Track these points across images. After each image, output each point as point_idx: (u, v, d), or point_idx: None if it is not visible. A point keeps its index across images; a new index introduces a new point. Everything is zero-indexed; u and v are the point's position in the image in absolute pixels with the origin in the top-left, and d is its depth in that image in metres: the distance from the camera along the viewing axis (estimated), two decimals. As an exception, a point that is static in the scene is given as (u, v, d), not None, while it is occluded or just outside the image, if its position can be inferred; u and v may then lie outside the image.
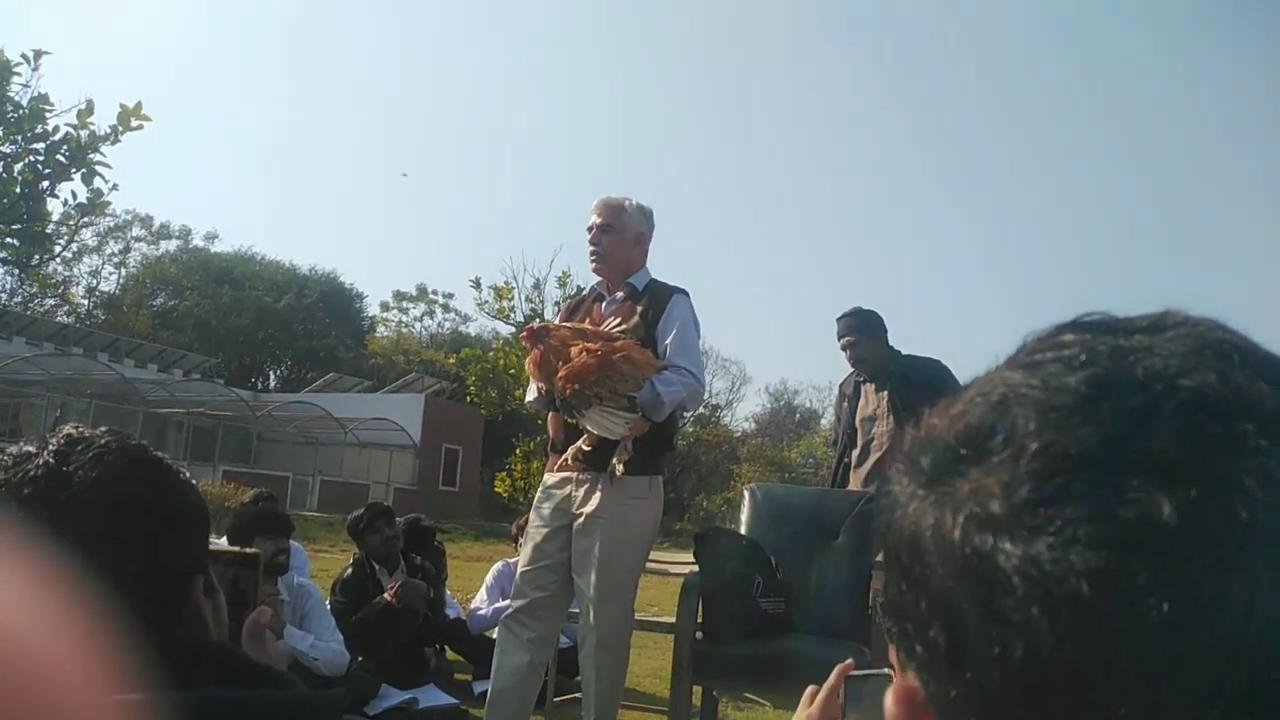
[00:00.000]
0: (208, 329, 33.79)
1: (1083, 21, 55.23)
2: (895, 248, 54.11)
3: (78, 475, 0.82)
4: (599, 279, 3.27)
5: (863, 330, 4.17)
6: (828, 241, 55.38)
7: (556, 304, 12.33)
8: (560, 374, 2.84)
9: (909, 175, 56.21)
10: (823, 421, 29.28)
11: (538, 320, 11.85)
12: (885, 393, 4.13)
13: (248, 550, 1.09)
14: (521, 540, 4.50)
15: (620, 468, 2.93)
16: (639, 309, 3.07)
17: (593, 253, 3.16)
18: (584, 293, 3.69)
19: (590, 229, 3.17)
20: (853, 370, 4.31)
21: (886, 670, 1.52)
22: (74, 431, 0.87)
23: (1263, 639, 0.35)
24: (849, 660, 1.34)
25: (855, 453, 4.21)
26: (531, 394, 3.19)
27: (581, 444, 2.95)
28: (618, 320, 3.05)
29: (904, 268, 51.40)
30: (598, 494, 2.96)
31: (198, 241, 38.30)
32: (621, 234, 3.15)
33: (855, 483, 4.15)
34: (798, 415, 31.64)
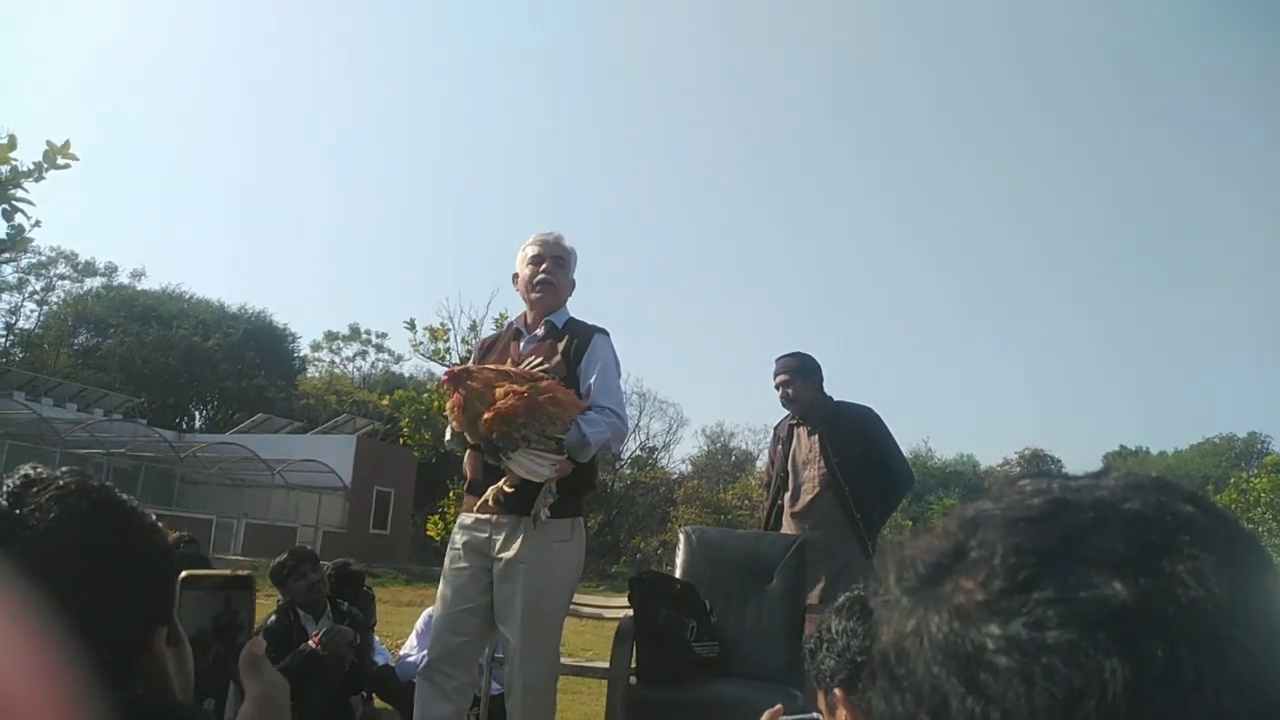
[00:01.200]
0: (132, 368, 32.84)
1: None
2: (834, 293, 55.09)
3: (34, 519, 0.78)
4: (518, 316, 3.24)
5: (799, 372, 4.24)
6: (766, 286, 56.18)
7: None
8: (486, 416, 2.80)
9: (849, 220, 57.44)
10: (758, 464, 29.46)
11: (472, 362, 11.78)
12: (817, 437, 4.20)
13: (240, 573, 1.03)
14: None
15: (546, 512, 2.88)
16: (560, 347, 3.05)
17: (543, 283, 3.12)
18: (496, 332, 3.69)
19: (541, 260, 3.14)
20: (787, 414, 4.38)
21: (815, 715, 1.54)
22: (31, 472, 0.82)
23: (1208, 713, 0.41)
24: (778, 705, 1.36)
25: (788, 495, 4.25)
26: (448, 435, 3.15)
27: (504, 485, 2.88)
28: (539, 360, 3.02)
29: (842, 315, 52.31)
30: (519, 538, 2.90)
31: (123, 279, 37.34)
32: (567, 271, 3.18)
33: (789, 526, 4.19)
34: (733, 457, 31.78)
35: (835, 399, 4.30)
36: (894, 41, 58.71)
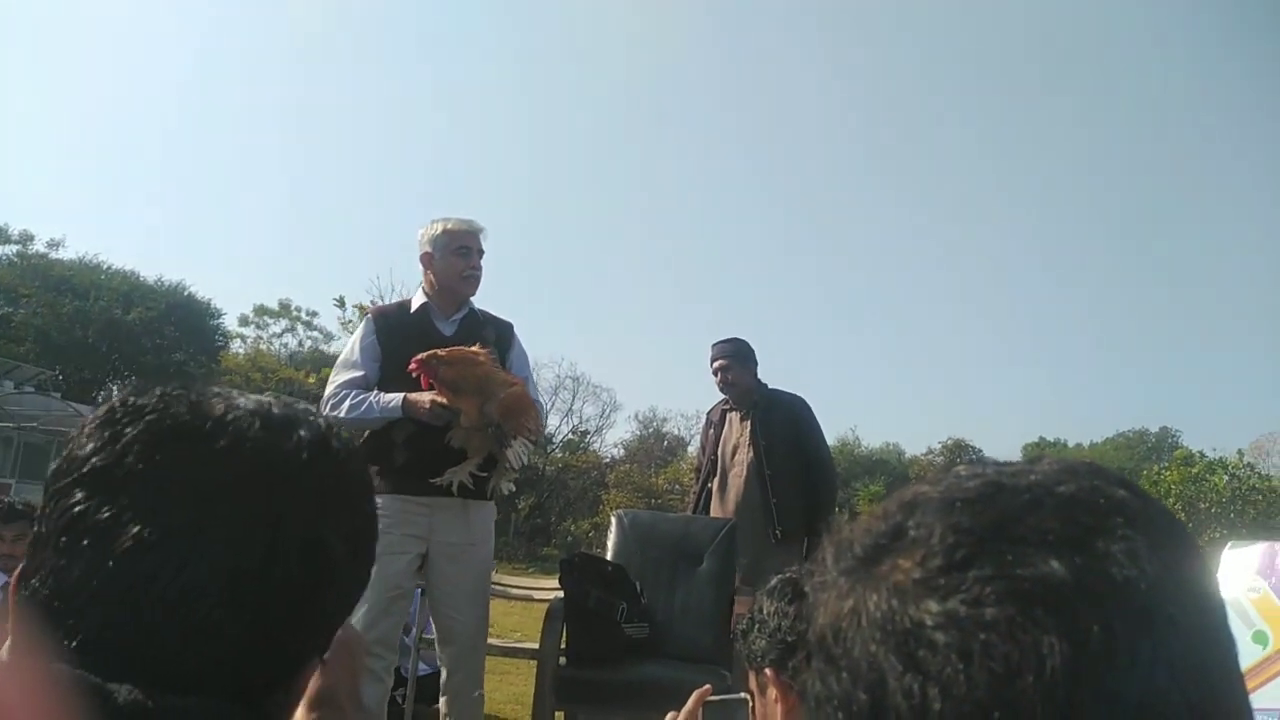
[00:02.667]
0: (47, 340, 31.62)
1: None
2: (766, 282, 55.61)
3: (307, 499, 0.64)
4: (420, 297, 3.21)
5: (735, 357, 4.31)
6: (699, 272, 56.44)
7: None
8: (504, 402, 2.91)
9: (779, 208, 57.99)
10: (690, 449, 29.67)
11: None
12: (749, 423, 4.26)
13: None
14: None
15: (511, 486, 3.10)
16: (486, 336, 3.12)
17: (473, 278, 3.17)
18: (391, 304, 3.83)
19: (470, 253, 3.15)
20: (721, 399, 4.43)
21: (743, 694, 1.57)
22: (325, 424, 0.67)
23: (1143, 688, 0.43)
24: (706, 686, 1.38)
25: (716, 480, 4.31)
26: (388, 406, 2.97)
27: (473, 470, 2.95)
28: (477, 345, 3.04)
29: (773, 303, 52.84)
30: (468, 520, 2.98)
31: (39, 247, 35.87)
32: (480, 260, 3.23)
33: (716, 511, 4.25)
34: (666, 442, 31.92)
35: (769, 386, 4.37)
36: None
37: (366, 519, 0.70)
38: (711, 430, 4.46)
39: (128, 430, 0.63)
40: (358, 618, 3.03)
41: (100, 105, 53.02)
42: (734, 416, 4.35)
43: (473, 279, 3.16)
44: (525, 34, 56.07)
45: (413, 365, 2.89)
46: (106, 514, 0.60)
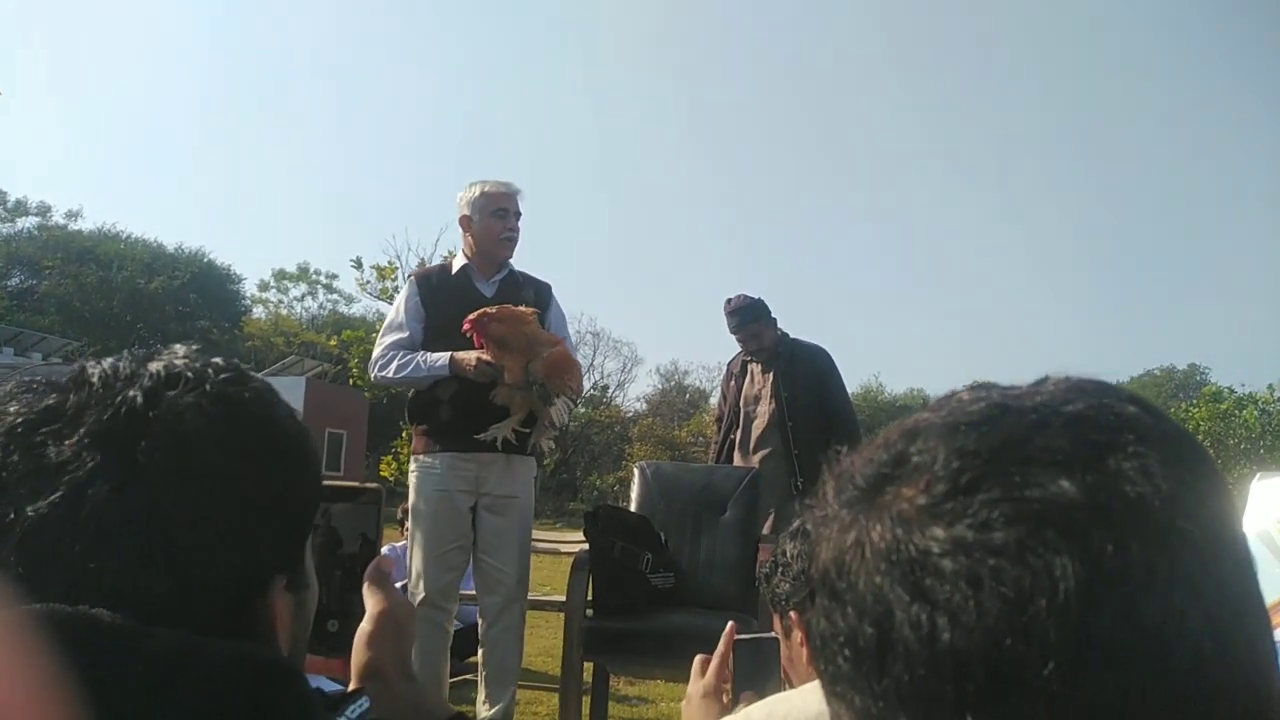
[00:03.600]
0: (70, 310, 31.97)
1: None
2: (786, 229, 55.18)
3: (167, 425, 0.63)
4: (461, 259, 3.28)
5: (758, 320, 4.28)
6: (718, 223, 56.08)
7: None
8: (549, 361, 2.98)
9: (800, 157, 57.35)
10: (711, 401, 29.71)
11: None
12: (770, 374, 4.23)
13: (368, 485, 0.90)
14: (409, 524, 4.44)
15: (550, 444, 3.20)
16: (527, 298, 3.17)
17: (510, 240, 3.23)
18: (434, 266, 3.86)
19: (507, 214, 3.20)
20: (741, 350, 4.40)
21: (772, 634, 1.55)
22: (179, 362, 0.67)
23: (1161, 607, 0.40)
24: (731, 624, 1.37)
25: (739, 432, 4.29)
26: (435, 365, 3.05)
27: (518, 426, 3.05)
28: (522, 306, 3.10)
29: (794, 250, 52.47)
30: (512, 474, 3.09)
31: (58, 219, 36.09)
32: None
33: (739, 461, 4.26)
34: (688, 395, 31.98)
35: (791, 336, 4.35)
36: (846, -26, 58.14)
37: (259, 429, 0.69)
38: (733, 382, 4.45)
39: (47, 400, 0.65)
40: (415, 571, 3.09)
41: (116, 75, 52.98)
42: (755, 368, 4.34)
43: (510, 241, 3.21)
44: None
45: (466, 324, 2.96)
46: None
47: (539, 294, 3.26)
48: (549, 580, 7.25)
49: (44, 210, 35.95)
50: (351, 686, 0.80)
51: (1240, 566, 0.44)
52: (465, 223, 3.23)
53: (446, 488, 3.06)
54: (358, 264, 11.40)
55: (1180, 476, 0.43)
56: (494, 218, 3.18)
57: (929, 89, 58.49)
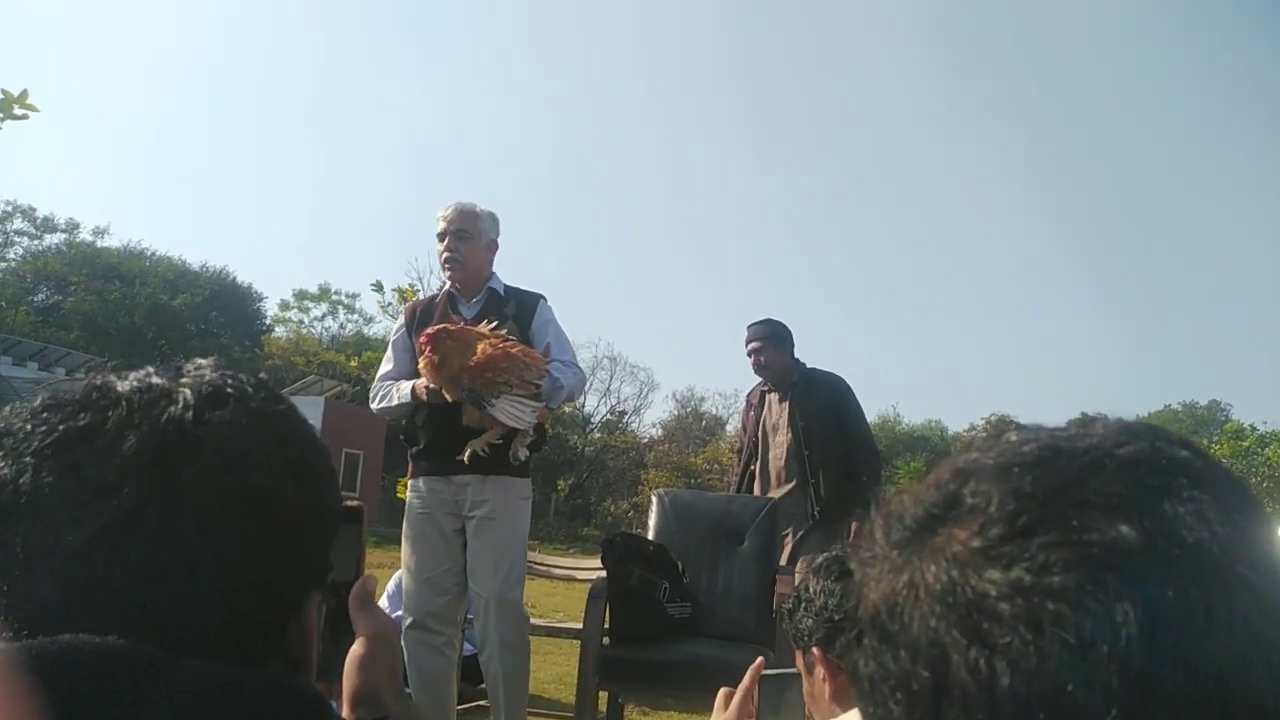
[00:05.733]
0: (94, 326, 32.29)
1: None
2: (804, 259, 55.24)
3: (212, 445, 0.62)
4: (446, 284, 3.29)
5: (770, 339, 4.26)
6: (737, 251, 56.16)
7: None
8: (470, 364, 2.86)
9: (819, 184, 57.45)
10: (728, 428, 29.62)
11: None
12: (787, 404, 4.23)
13: (350, 503, 0.88)
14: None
15: (524, 452, 3.03)
16: (509, 314, 3.14)
17: (449, 259, 3.18)
18: (425, 296, 3.80)
19: (444, 236, 3.17)
20: (760, 380, 4.39)
21: (796, 669, 1.54)
22: (219, 379, 0.67)
23: (1222, 652, 0.40)
24: (760, 659, 1.36)
25: (758, 463, 4.29)
26: (403, 395, 3.11)
27: (489, 438, 2.97)
28: (492, 324, 3.07)
29: (812, 280, 52.49)
30: (490, 495, 3.01)
31: (85, 235, 36.54)
32: (476, 241, 3.19)
33: (759, 492, 4.24)
34: (704, 422, 31.90)
35: (808, 365, 4.33)
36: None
37: (296, 446, 0.69)
38: (751, 412, 4.44)
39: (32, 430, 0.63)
40: (406, 593, 3.10)
41: (140, 93, 53.82)
42: (773, 398, 4.32)
43: (449, 262, 3.17)
44: (563, 6, 55.93)
45: (423, 339, 2.98)
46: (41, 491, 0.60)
47: (521, 307, 3.20)
48: (563, 606, 7.22)
49: (72, 227, 36.42)
50: (345, 710, 0.80)
51: None
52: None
53: (429, 510, 3.08)
54: (379, 287, 11.42)
55: (1234, 520, 0.43)
56: (438, 241, 3.20)
57: (959, 115, 58.58)
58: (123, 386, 0.65)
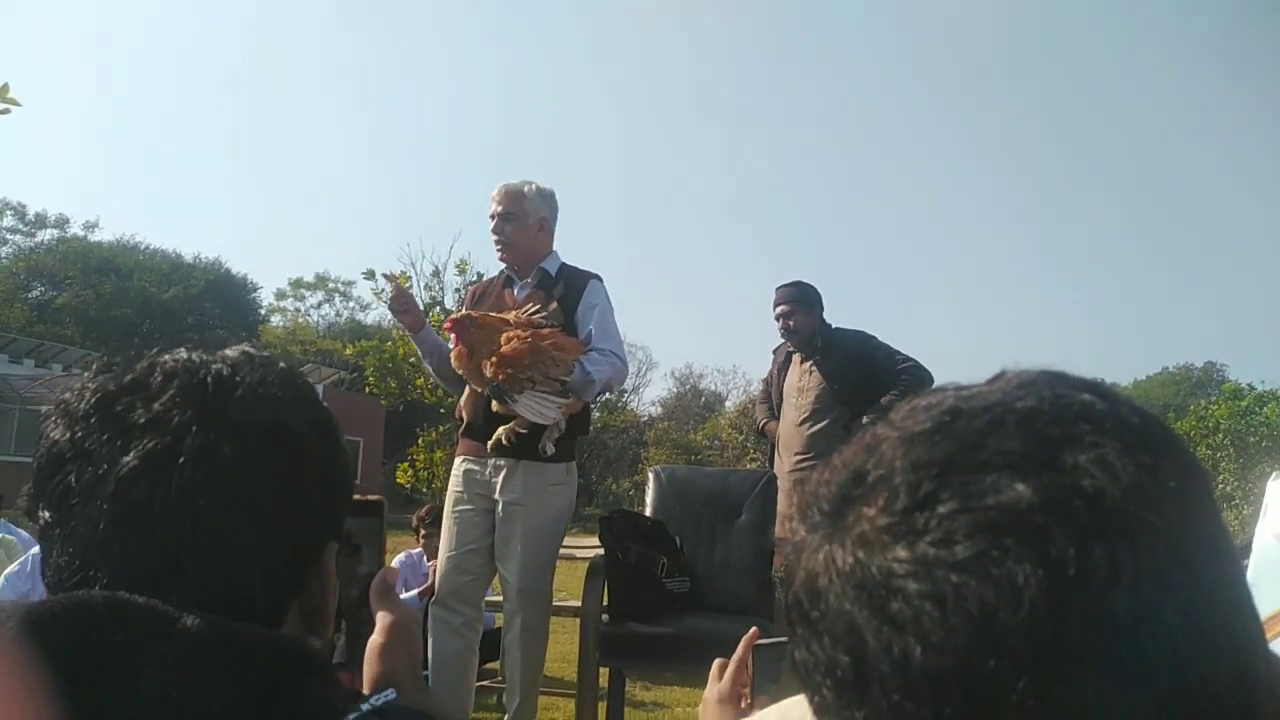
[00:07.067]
0: (89, 321, 32.22)
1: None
2: (800, 237, 55.08)
3: (247, 394, 0.69)
4: (506, 268, 3.26)
5: (800, 302, 4.19)
6: (733, 227, 56.03)
7: (457, 291, 12.08)
8: (491, 360, 2.84)
9: (815, 161, 57.22)
10: (727, 404, 29.64)
11: (437, 309, 11.65)
12: (810, 365, 4.17)
13: (370, 498, 0.96)
14: (421, 531, 4.45)
15: (551, 446, 2.97)
16: (556, 295, 3.08)
17: (497, 242, 3.16)
18: (489, 278, 3.66)
19: (493, 217, 3.14)
20: (784, 340, 4.33)
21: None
22: (251, 349, 0.75)
23: (1130, 605, 0.39)
24: (754, 629, 1.36)
25: (781, 422, 4.26)
26: (429, 351, 3.20)
27: (515, 427, 2.95)
28: (535, 307, 3.05)
29: (808, 258, 52.38)
30: (519, 480, 3.00)
31: (76, 230, 36.38)
32: (524, 221, 3.14)
33: (779, 458, 4.19)
34: (703, 399, 31.92)
35: (832, 325, 4.24)
36: (857, -25, 58.03)
37: (321, 407, 0.76)
38: (776, 371, 4.40)
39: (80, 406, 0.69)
40: (437, 571, 3.12)
41: (131, 85, 53.42)
42: (798, 359, 4.26)
43: (498, 244, 3.16)
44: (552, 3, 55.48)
45: (447, 325, 2.97)
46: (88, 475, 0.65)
47: (570, 289, 3.13)
48: (564, 585, 7.21)
49: (62, 222, 36.25)
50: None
51: (1214, 551, 0.42)
52: None
53: (462, 489, 3.09)
54: (370, 275, 11.40)
55: (1141, 463, 0.42)
56: (490, 222, 3.17)
57: (943, 89, 58.31)
58: (166, 357, 0.72)
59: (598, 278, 3.19)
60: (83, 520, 0.64)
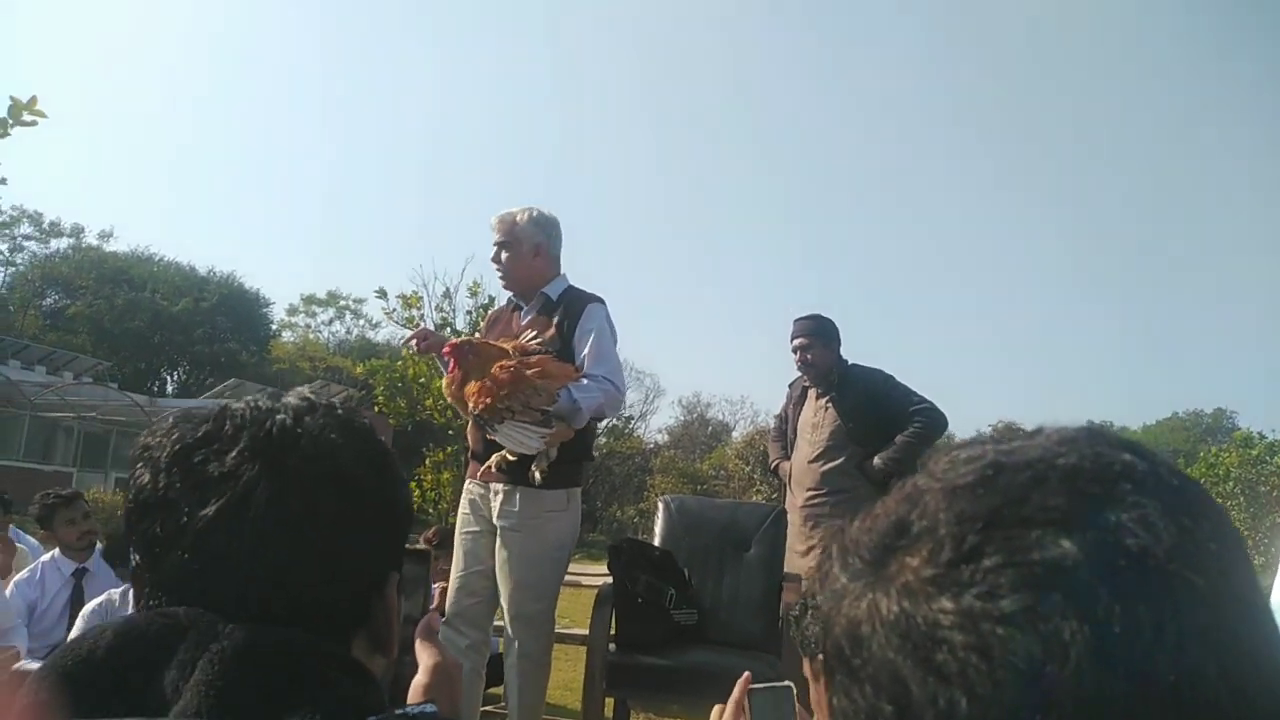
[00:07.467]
0: (101, 331, 32.37)
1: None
2: (807, 263, 55.16)
3: (309, 440, 0.76)
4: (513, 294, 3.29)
5: (818, 335, 4.15)
6: (742, 257, 56.15)
7: (468, 313, 12.10)
8: (470, 390, 2.85)
9: (823, 189, 57.42)
10: (734, 434, 29.55)
11: (448, 330, 11.67)
12: (825, 400, 4.13)
13: (418, 547, 1.06)
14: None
15: (537, 475, 2.93)
16: (554, 320, 3.08)
17: (498, 271, 3.22)
18: (502, 305, 3.67)
19: (494, 247, 3.20)
20: (800, 375, 4.30)
21: (787, 682, 1.52)
22: (310, 395, 0.82)
23: (1175, 664, 0.39)
24: (747, 673, 1.36)
25: (794, 458, 4.21)
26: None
27: (506, 454, 2.96)
28: (533, 333, 3.06)
29: (816, 284, 52.42)
30: (516, 506, 2.98)
31: (91, 240, 36.67)
32: (518, 248, 3.16)
33: (797, 485, 4.14)
34: (710, 428, 31.84)
35: (849, 362, 4.20)
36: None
37: (378, 446, 0.82)
38: (791, 406, 4.35)
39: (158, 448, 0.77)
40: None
41: (147, 98, 54.01)
42: (813, 394, 4.22)
43: (499, 273, 3.22)
44: (563, 9, 56.02)
45: (445, 350, 2.97)
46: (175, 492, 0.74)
47: (568, 313, 3.11)
48: (568, 612, 7.18)
49: (78, 231, 36.55)
50: None
51: (1253, 613, 0.43)
52: None
53: (468, 513, 3.12)
54: (382, 294, 11.42)
55: (1181, 524, 0.42)
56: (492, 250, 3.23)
57: (954, 119, 58.52)
58: (236, 406, 0.79)
59: (598, 300, 3.16)
60: (167, 567, 0.73)
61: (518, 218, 3.17)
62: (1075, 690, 0.39)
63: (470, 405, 2.85)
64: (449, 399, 3.01)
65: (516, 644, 2.98)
